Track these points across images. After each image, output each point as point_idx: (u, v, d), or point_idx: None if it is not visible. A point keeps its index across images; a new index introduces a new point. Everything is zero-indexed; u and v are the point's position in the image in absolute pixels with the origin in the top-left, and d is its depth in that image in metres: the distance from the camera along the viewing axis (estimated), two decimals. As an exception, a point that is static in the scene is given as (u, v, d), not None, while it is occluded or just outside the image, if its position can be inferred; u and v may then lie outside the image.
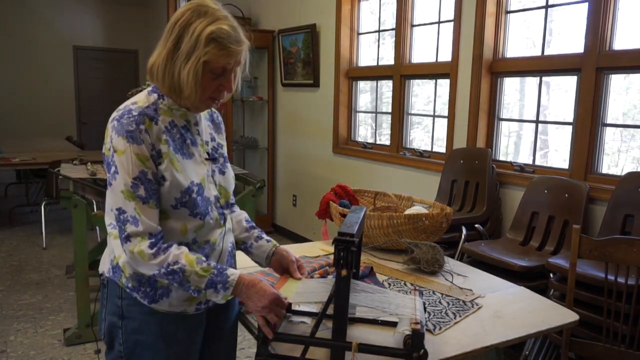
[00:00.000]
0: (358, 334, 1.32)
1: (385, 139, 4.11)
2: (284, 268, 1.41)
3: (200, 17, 1.16)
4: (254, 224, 1.50)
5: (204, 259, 1.19)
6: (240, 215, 1.50)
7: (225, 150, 1.39)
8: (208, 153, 1.30)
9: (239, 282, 1.19)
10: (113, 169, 1.16)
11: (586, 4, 2.62)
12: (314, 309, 1.41)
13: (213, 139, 1.36)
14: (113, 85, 8.35)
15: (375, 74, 4.10)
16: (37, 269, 4.14)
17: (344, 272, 1.10)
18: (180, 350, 1.28)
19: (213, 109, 1.41)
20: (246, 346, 2.93)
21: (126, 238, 1.15)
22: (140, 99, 1.22)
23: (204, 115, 1.35)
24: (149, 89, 1.25)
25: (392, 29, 3.88)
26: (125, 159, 1.14)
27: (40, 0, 7.79)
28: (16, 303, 3.46)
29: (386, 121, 4.07)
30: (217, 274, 1.17)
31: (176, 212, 1.20)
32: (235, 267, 1.39)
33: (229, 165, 1.38)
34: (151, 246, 1.15)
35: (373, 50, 4.16)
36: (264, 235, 1.47)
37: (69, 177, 3.30)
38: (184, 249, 1.19)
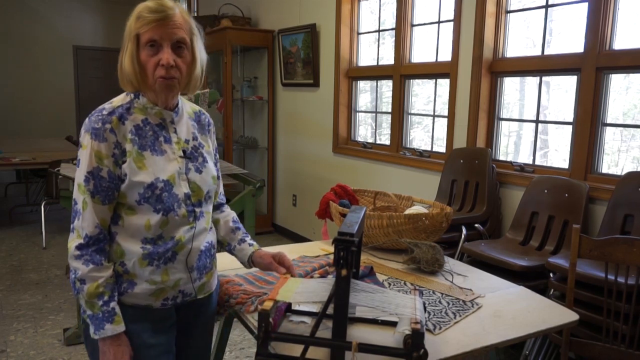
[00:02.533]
0: (358, 333, 1.32)
1: (385, 138, 4.11)
2: (270, 269, 1.46)
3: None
4: (239, 225, 1.54)
5: (106, 298, 1.22)
6: (228, 215, 1.55)
7: (207, 150, 1.40)
8: (184, 151, 1.33)
9: (108, 336, 1.23)
10: (78, 163, 1.26)
11: (586, 4, 2.62)
12: (314, 308, 1.41)
13: (195, 139, 1.38)
14: (113, 85, 8.21)
15: (375, 73, 4.09)
16: (37, 268, 4.15)
17: (344, 272, 1.10)
18: (147, 343, 1.31)
19: (202, 111, 1.46)
20: (246, 346, 2.93)
21: (71, 229, 1.26)
22: (117, 99, 1.29)
23: (188, 115, 1.39)
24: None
25: (392, 29, 3.88)
26: (85, 154, 1.22)
27: (40, 0, 7.79)
28: (16, 303, 3.46)
29: (386, 121, 4.07)
30: (101, 317, 1.22)
31: (140, 207, 1.25)
32: (212, 267, 1.41)
33: (210, 165, 1.39)
34: (79, 247, 1.22)
35: (373, 50, 4.16)
36: (247, 239, 1.51)
37: (69, 177, 3.30)
38: (104, 275, 1.22)
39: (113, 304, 1.24)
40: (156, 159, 1.27)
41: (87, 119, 1.24)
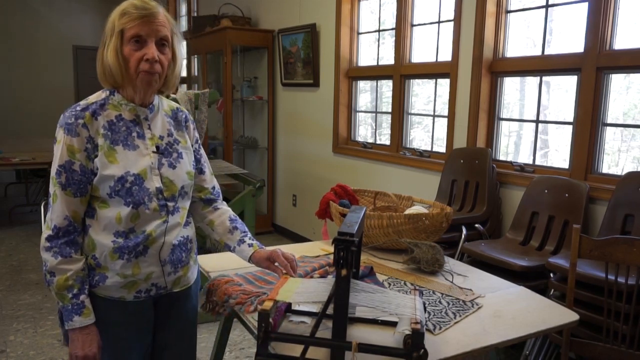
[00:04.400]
0: (358, 333, 1.32)
1: (385, 138, 4.11)
2: (270, 270, 1.47)
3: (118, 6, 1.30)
4: (237, 224, 1.52)
5: (76, 291, 1.27)
6: (224, 214, 1.53)
7: (183, 146, 1.42)
8: (157, 147, 1.35)
9: (76, 327, 1.28)
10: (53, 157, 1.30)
11: (586, 4, 2.62)
12: (314, 309, 1.41)
13: (170, 135, 1.41)
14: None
15: (375, 73, 4.09)
16: (37, 268, 4.14)
17: (344, 272, 1.10)
18: (121, 334, 1.36)
19: (180, 108, 1.48)
20: (246, 346, 2.93)
21: (47, 221, 1.30)
22: (93, 96, 1.33)
23: (164, 112, 1.42)
24: (105, 87, 1.36)
25: (392, 29, 3.88)
26: (58, 148, 1.26)
27: (40, 0, 7.79)
28: (16, 303, 3.46)
29: (386, 121, 4.07)
30: (70, 309, 1.27)
31: (112, 200, 1.28)
32: (189, 261, 1.43)
33: (185, 161, 1.41)
34: (48, 239, 1.26)
35: (373, 50, 4.16)
36: (246, 238, 1.50)
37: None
38: (73, 268, 1.26)
39: (83, 297, 1.28)
40: (128, 153, 1.30)
41: (61, 115, 1.29)
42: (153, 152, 1.34)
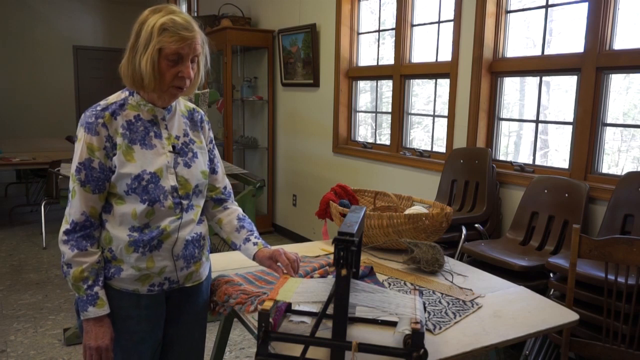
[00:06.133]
0: (358, 333, 1.32)
1: (385, 138, 4.11)
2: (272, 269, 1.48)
3: (155, 14, 1.30)
4: (244, 223, 1.55)
5: (90, 282, 1.31)
6: (233, 213, 1.56)
7: (198, 146, 1.46)
8: (173, 146, 1.39)
9: (91, 318, 1.32)
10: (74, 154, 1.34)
11: (586, 4, 2.62)
12: (314, 308, 1.41)
13: (186, 135, 1.44)
14: (113, 85, 8.27)
15: (375, 73, 4.09)
16: (37, 268, 4.15)
17: (344, 272, 1.10)
18: (134, 327, 1.38)
19: (196, 109, 1.51)
20: (246, 346, 2.93)
21: (65, 216, 1.34)
22: (113, 96, 1.38)
23: (181, 113, 1.46)
24: (125, 88, 1.39)
25: (392, 29, 3.88)
26: (78, 146, 1.31)
27: (40, 0, 7.79)
28: (16, 303, 3.46)
29: (386, 121, 4.07)
30: (85, 300, 1.31)
31: (128, 197, 1.32)
32: (201, 258, 1.46)
33: (200, 160, 1.44)
34: (66, 232, 1.31)
35: (373, 50, 4.16)
36: (252, 237, 1.53)
37: (69, 176, 3.30)
38: (89, 260, 1.30)
39: (97, 289, 1.32)
40: (145, 152, 1.34)
41: (82, 115, 1.33)
42: (169, 151, 1.38)
